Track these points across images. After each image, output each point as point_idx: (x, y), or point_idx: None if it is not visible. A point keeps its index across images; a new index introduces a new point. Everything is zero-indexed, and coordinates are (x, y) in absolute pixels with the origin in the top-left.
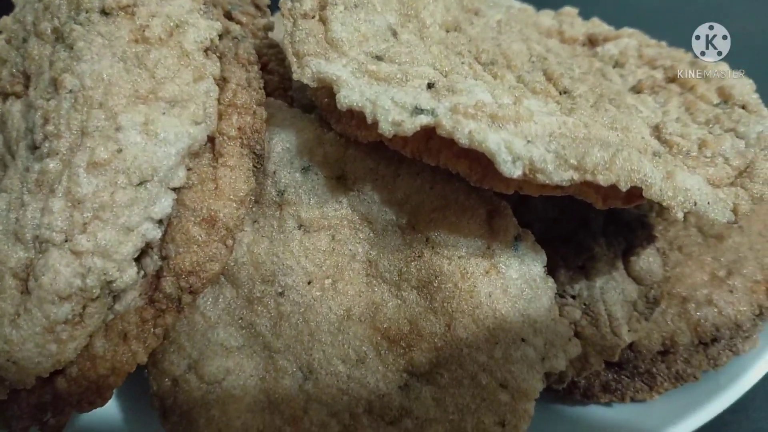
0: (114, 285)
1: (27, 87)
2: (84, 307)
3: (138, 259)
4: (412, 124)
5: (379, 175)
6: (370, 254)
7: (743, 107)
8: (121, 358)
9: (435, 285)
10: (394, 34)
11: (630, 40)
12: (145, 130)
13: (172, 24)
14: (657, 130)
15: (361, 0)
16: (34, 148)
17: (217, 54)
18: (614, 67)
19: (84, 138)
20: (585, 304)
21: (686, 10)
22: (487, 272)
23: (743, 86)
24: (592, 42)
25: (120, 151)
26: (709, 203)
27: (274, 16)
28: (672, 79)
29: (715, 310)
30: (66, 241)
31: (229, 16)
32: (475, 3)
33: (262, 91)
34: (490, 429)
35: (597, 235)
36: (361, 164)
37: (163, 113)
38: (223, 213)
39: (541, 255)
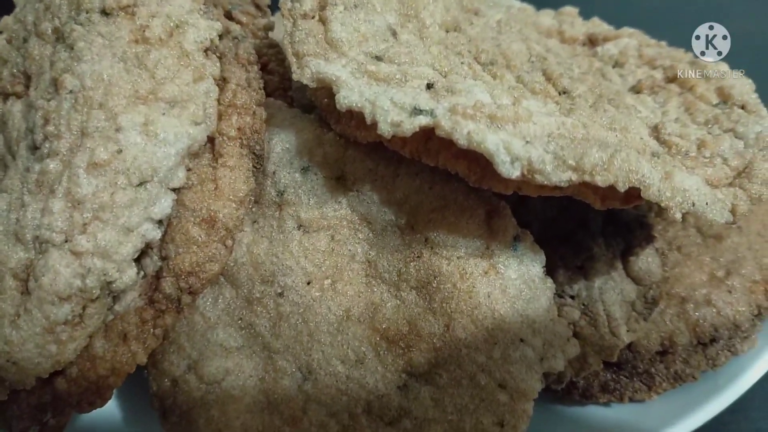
0: (114, 285)
1: (28, 87)
2: (84, 308)
3: (138, 260)
4: (411, 125)
5: (378, 175)
6: (370, 254)
7: (742, 107)
8: (120, 358)
9: (434, 285)
10: (394, 34)
11: (630, 39)
12: (145, 131)
13: (172, 24)
14: (656, 131)
15: (360, 0)
16: (34, 148)
17: (217, 54)
18: (614, 67)
19: (84, 138)
20: (584, 304)
21: (686, 10)
22: (486, 272)
23: (743, 86)
24: (592, 42)
25: (120, 151)
26: (707, 204)
27: (275, 15)
28: (672, 79)
29: (714, 310)
30: (66, 241)
31: (229, 15)
32: (475, 3)
33: (262, 91)
34: (489, 429)
35: (596, 235)
36: (360, 165)
37: (163, 114)
38: (222, 213)
39: (540, 255)
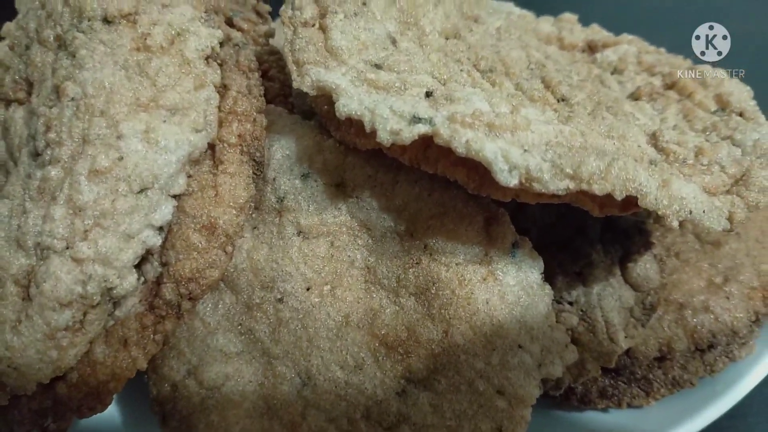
0: (114, 292)
1: (30, 94)
2: (84, 314)
3: (138, 266)
4: (410, 133)
5: (377, 182)
6: (369, 261)
7: (740, 114)
8: (121, 364)
9: (433, 292)
10: (394, 42)
11: (629, 46)
12: (146, 138)
13: (173, 32)
14: (654, 138)
15: (360, 8)
16: (36, 155)
17: (218, 61)
18: (613, 73)
19: (85, 146)
20: (582, 311)
21: (686, 10)
22: (484, 279)
23: (741, 93)
24: (591, 48)
25: (121, 158)
26: (704, 212)
27: (275, 22)
28: (670, 86)
29: (712, 316)
30: (67, 248)
31: (230, 23)
32: (475, 10)
33: (263, 98)
34: None
35: (594, 242)
36: (360, 171)
37: (164, 121)
38: (222, 220)
39: (539, 262)
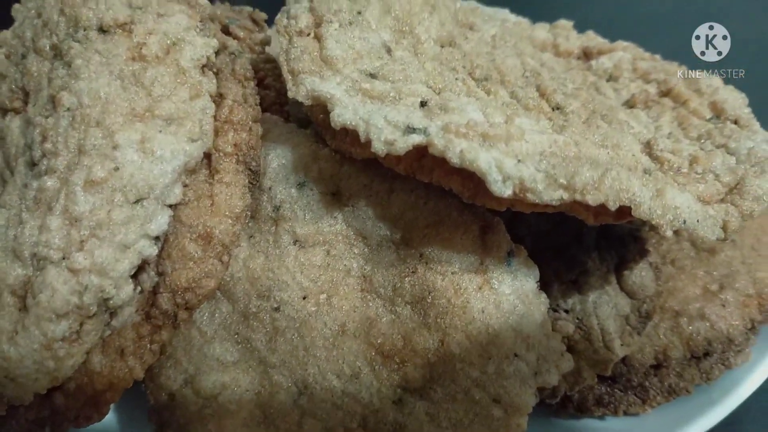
0: (111, 302)
1: (26, 103)
2: (81, 324)
3: (135, 276)
4: (404, 144)
5: (373, 191)
6: (365, 269)
7: (735, 122)
8: (118, 373)
9: (428, 300)
10: (389, 51)
11: (624, 53)
12: (141, 148)
13: (168, 42)
14: (648, 147)
15: (355, 17)
16: (32, 164)
17: (214, 70)
18: (608, 80)
19: (81, 156)
20: (578, 318)
21: (686, 10)
22: (480, 288)
23: (735, 101)
24: (586, 55)
25: (117, 169)
26: (698, 221)
27: (271, 29)
28: (665, 93)
29: (708, 324)
30: (63, 258)
31: (226, 30)
32: (471, 17)
33: (258, 107)
34: None
35: (590, 250)
36: (355, 180)
37: (160, 131)
38: (218, 229)
39: (534, 270)
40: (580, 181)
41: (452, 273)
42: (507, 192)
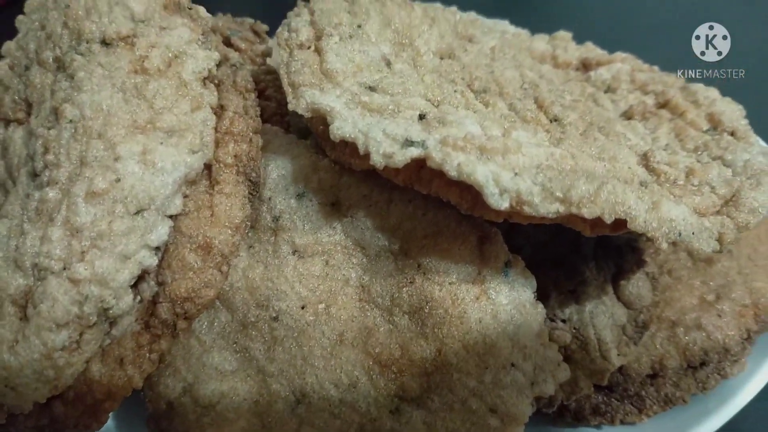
0: (110, 312)
1: (29, 114)
2: (81, 334)
3: (135, 285)
4: (402, 156)
5: (372, 201)
6: (363, 279)
7: (732, 134)
8: (117, 382)
9: (426, 311)
10: (388, 64)
11: (623, 65)
12: (143, 160)
13: (170, 55)
14: (645, 159)
15: (355, 31)
16: (34, 175)
17: (215, 82)
18: (606, 92)
19: (83, 168)
20: (575, 328)
21: (686, 10)
22: (477, 298)
23: (732, 113)
24: (585, 66)
25: (118, 180)
26: (693, 233)
27: (272, 40)
28: (663, 105)
29: (704, 334)
30: (64, 269)
31: (228, 42)
32: (470, 29)
33: (259, 118)
34: None
35: (587, 260)
36: (355, 191)
37: (161, 143)
38: (218, 240)
39: (531, 281)
40: (576, 195)
41: (450, 283)
42: (504, 205)
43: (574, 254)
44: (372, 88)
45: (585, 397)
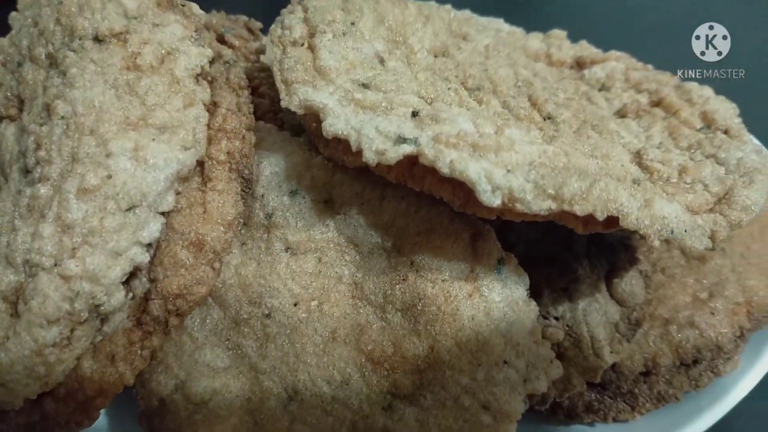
0: (102, 308)
1: (21, 111)
2: (72, 330)
3: (126, 282)
4: (395, 153)
5: (365, 198)
6: (356, 277)
7: (726, 132)
8: (108, 379)
9: (419, 308)
10: (381, 61)
11: (617, 63)
12: (134, 156)
13: (163, 51)
14: (638, 156)
15: (349, 28)
16: (26, 171)
17: (208, 79)
18: (600, 90)
19: (75, 164)
20: (568, 326)
21: (686, 10)
22: (470, 295)
23: (726, 111)
24: (579, 65)
25: (110, 177)
26: (686, 231)
27: (266, 38)
28: (657, 103)
29: (697, 331)
30: (55, 265)
31: (221, 39)
32: (464, 27)
33: (252, 115)
34: None
35: (580, 257)
36: (347, 188)
37: (153, 139)
38: (210, 237)
39: (524, 278)
40: (569, 192)
41: (442, 280)
42: (496, 202)
43: (567, 252)
44: (365, 86)
45: (578, 395)
